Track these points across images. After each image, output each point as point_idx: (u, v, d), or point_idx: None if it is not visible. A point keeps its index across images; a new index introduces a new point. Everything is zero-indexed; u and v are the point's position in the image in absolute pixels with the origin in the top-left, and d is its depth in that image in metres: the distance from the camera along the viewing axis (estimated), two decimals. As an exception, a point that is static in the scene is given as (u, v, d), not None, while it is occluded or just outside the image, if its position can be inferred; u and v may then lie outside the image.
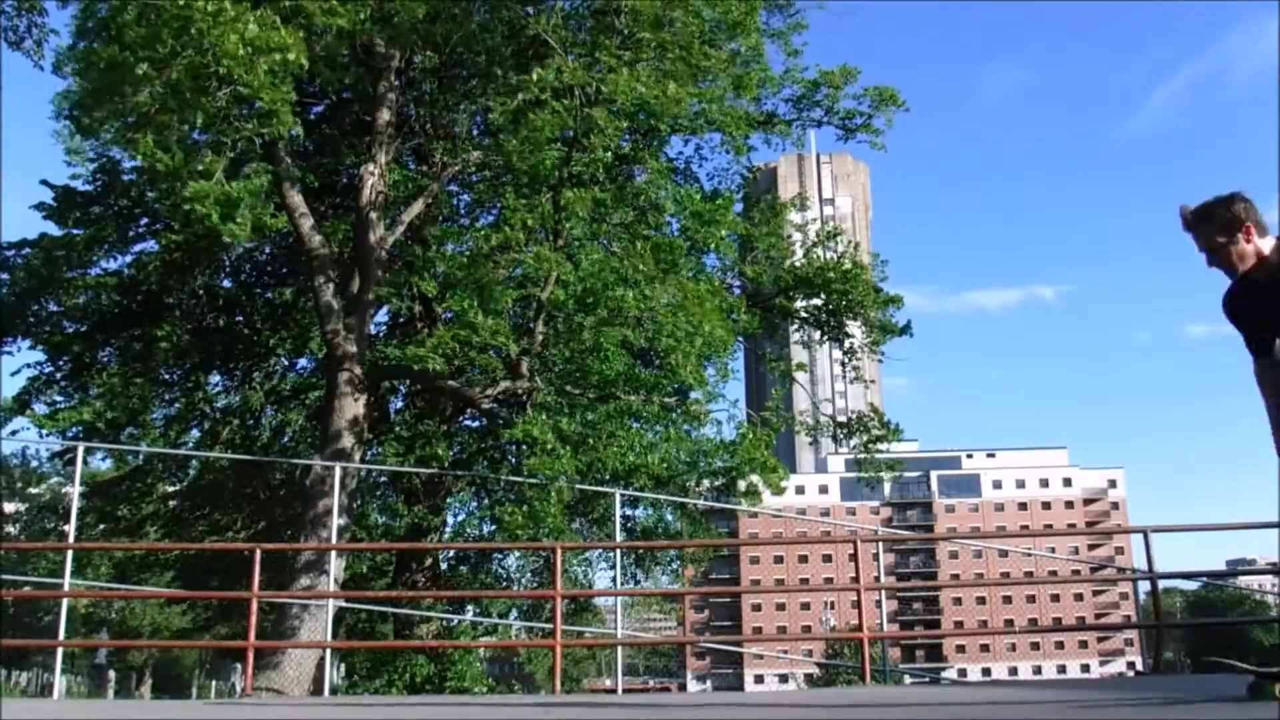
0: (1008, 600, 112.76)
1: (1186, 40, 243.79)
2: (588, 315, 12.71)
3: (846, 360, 18.56)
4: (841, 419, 19.67)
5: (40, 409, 16.42)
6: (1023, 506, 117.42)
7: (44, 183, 16.78)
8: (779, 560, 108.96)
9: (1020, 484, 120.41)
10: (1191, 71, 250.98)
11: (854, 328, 18.33)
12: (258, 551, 9.28)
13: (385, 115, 14.88)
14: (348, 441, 13.26)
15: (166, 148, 10.98)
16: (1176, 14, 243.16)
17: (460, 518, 18.04)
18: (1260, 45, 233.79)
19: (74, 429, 15.34)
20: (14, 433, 17.47)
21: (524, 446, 13.17)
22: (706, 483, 15.92)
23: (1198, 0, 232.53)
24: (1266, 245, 3.75)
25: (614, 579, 14.44)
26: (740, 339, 17.50)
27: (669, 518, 16.42)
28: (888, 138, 17.78)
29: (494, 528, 15.67)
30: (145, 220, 17.28)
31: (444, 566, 17.69)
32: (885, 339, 18.24)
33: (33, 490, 43.13)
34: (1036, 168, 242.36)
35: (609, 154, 13.55)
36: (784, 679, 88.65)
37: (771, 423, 16.17)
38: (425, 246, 15.25)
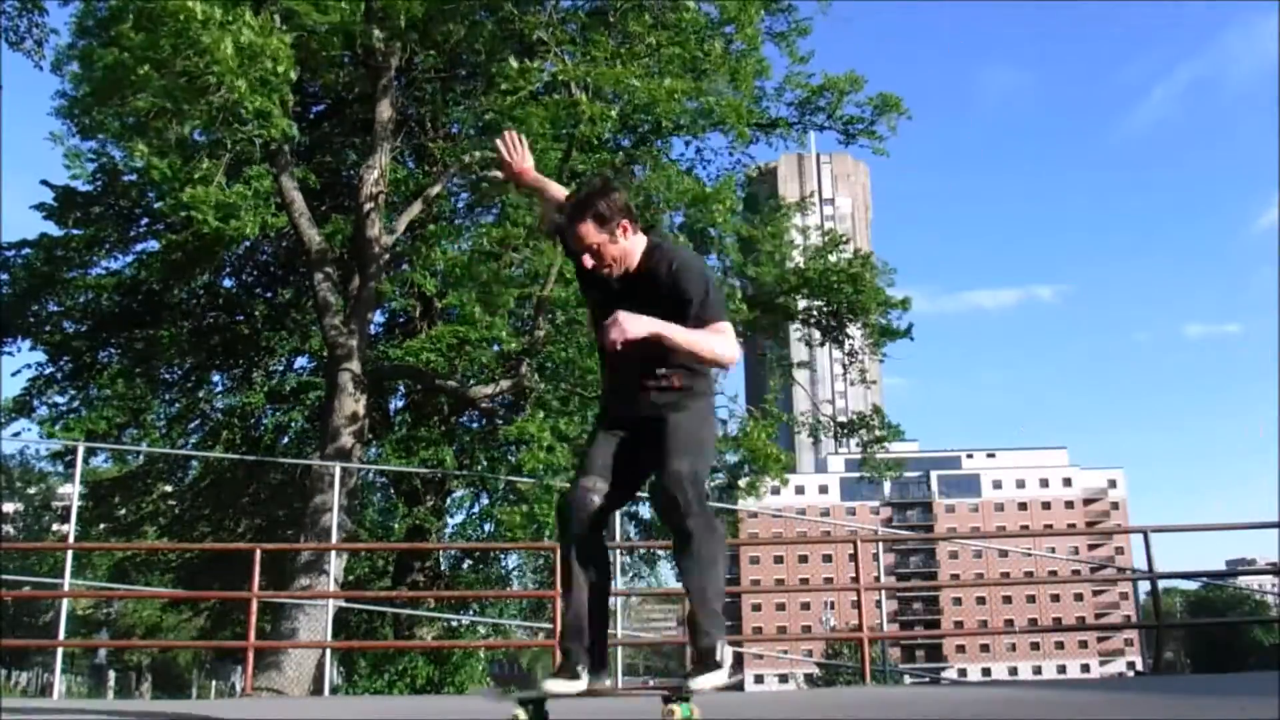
0: (1008, 600, 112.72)
1: (1183, 40, 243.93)
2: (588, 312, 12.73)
3: (849, 362, 18.55)
4: (842, 419, 19.68)
5: (42, 411, 16.47)
6: (1023, 506, 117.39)
7: (44, 183, 16.81)
8: (779, 560, 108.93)
9: (1020, 484, 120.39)
10: (1189, 71, 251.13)
11: (854, 329, 18.31)
12: (258, 551, 9.28)
13: (385, 114, 14.89)
14: (347, 440, 13.27)
15: (164, 153, 11.01)
16: (1173, 14, 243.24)
17: (459, 519, 18.05)
18: (1258, 45, 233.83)
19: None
20: (16, 434, 17.49)
21: (522, 445, 13.18)
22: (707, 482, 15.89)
23: (1195, 0, 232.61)
24: (639, 243, 3.44)
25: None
26: (740, 338, 17.48)
27: None
28: (887, 140, 17.75)
29: (494, 528, 15.68)
30: (145, 220, 17.29)
31: (444, 567, 17.70)
32: (885, 342, 18.22)
33: (28, 490, 43.14)
34: (1033, 168, 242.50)
35: (616, 154, 13.56)
36: (784, 679, 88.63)
37: (772, 413, 16.17)
38: (425, 245, 15.27)
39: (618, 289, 3.46)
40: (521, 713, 3.29)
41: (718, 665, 3.21)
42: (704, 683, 3.19)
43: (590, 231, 3.35)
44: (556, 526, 3.52)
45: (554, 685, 3.29)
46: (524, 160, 3.85)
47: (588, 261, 3.40)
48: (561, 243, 3.72)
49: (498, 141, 3.87)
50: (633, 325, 3.20)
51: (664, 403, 3.47)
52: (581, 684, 3.33)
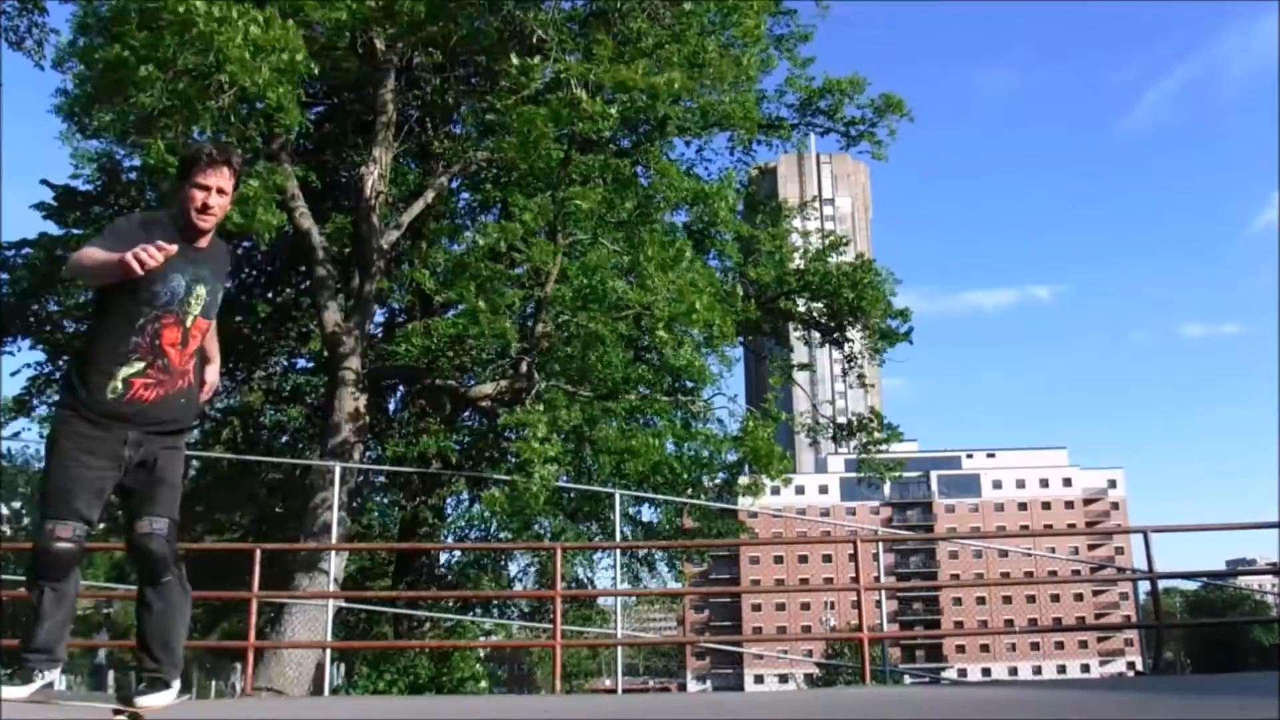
0: (1008, 600, 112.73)
1: (1181, 41, 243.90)
2: (588, 312, 12.71)
3: (849, 366, 18.53)
4: (841, 420, 19.67)
5: (42, 410, 16.45)
6: (1023, 506, 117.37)
7: (44, 182, 16.81)
8: (779, 560, 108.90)
9: (1020, 484, 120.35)
10: (1186, 72, 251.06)
11: (854, 333, 18.28)
12: (257, 551, 9.27)
13: (386, 114, 14.89)
14: (348, 438, 13.27)
15: (174, 150, 11.01)
16: (1170, 14, 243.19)
17: (455, 515, 18.04)
18: (1255, 44, 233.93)
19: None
20: (16, 434, 17.48)
21: (519, 436, 13.14)
22: (707, 480, 15.90)
23: (1192, 0, 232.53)
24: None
25: (614, 579, 14.45)
26: (740, 338, 17.48)
27: (674, 513, 16.43)
28: (887, 145, 17.71)
29: (494, 529, 15.67)
30: (145, 220, 17.27)
31: (444, 567, 17.69)
32: (885, 346, 18.19)
33: (27, 490, 43.11)
34: (1031, 168, 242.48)
35: (616, 156, 13.55)
36: (784, 679, 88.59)
37: (772, 413, 16.19)
38: (426, 244, 15.28)
39: (190, 257, 3.45)
40: None
41: (166, 686, 3.46)
42: (150, 701, 3.43)
43: (227, 179, 3.45)
44: (34, 567, 3.51)
45: (7, 692, 3.47)
46: None
47: (199, 199, 3.41)
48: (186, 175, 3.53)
49: None
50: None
51: (167, 442, 3.52)
52: (33, 688, 3.47)
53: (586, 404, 13.20)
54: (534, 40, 13.29)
